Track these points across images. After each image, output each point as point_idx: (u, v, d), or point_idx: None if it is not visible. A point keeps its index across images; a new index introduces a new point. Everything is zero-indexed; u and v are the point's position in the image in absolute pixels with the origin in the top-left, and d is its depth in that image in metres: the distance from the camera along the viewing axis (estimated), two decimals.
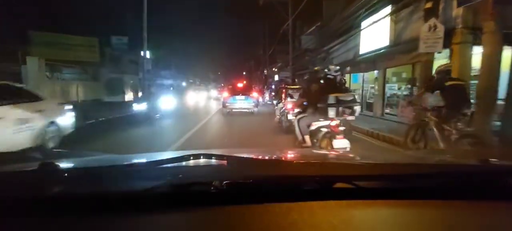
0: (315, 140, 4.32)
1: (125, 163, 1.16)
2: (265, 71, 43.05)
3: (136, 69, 24.12)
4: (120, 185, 0.87)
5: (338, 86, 4.29)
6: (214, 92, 35.15)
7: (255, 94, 14.37)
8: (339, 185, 0.89)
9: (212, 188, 0.83)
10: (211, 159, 0.99)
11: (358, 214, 0.79)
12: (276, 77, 32.92)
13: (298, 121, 4.41)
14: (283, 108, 8.16)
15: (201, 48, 38.30)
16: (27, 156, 3.33)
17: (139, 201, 0.78)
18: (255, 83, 49.88)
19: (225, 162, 0.99)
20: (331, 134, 3.99)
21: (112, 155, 2.30)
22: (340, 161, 1.42)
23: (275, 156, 1.48)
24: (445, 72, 4.83)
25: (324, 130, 4.19)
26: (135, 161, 1.27)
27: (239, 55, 50.62)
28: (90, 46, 20.07)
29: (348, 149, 3.77)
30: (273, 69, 35.97)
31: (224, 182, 0.84)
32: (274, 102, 11.95)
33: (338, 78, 4.40)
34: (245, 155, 1.32)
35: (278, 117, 9.09)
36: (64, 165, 1.03)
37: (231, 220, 0.75)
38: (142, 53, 20.22)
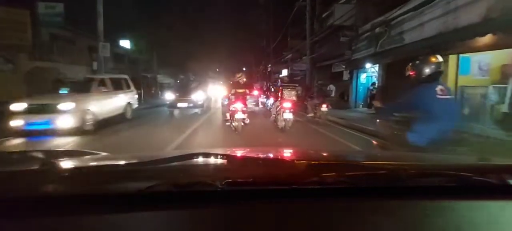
0: (231, 116, 7.06)
1: (125, 162, 1.11)
2: (269, 66, 35.94)
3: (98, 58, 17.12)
4: (120, 184, 0.82)
5: (241, 85, 7.53)
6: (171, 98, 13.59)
7: (255, 92, 13.51)
8: (340, 184, 0.86)
9: (212, 187, 0.80)
10: (212, 158, 0.95)
11: (358, 213, 0.77)
12: (285, 72, 25.92)
13: (225, 105, 8.05)
14: (279, 107, 7.46)
15: (197, 41, 30.56)
16: (27, 155, 1.87)
17: (139, 200, 0.75)
18: (256, 81, 43.28)
19: (225, 161, 0.97)
20: (237, 112, 6.82)
21: (111, 154, 1.80)
22: (341, 160, 1.35)
23: (275, 155, 1.46)
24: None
25: (234, 109, 6.91)
26: (135, 160, 1.19)
27: (239, 49, 43.57)
28: (17, 22, 13.02)
29: (247, 121, 6.99)
30: (270, 66, 28.89)
31: (225, 181, 0.81)
32: (267, 101, 11.58)
33: (242, 80, 7.62)
34: (245, 154, 1.33)
35: (273, 115, 8.22)
36: (64, 164, 1.01)
37: (231, 219, 0.74)
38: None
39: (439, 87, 2.50)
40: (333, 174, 0.87)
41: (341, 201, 0.81)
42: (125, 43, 26.67)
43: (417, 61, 2.65)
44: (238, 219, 0.73)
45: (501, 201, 0.82)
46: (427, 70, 2.55)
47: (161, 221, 0.72)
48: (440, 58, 2.59)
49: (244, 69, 56.68)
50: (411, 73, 2.68)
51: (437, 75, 2.58)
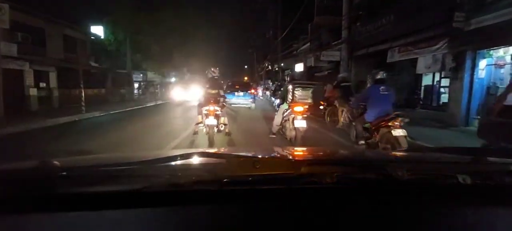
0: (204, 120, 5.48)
1: (124, 162, 1.08)
2: (276, 66, 29.51)
3: None
4: (119, 184, 0.79)
5: (215, 83, 5.75)
6: None
7: (253, 90, 13.69)
8: (338, 184, 0.81)
9: (211, 186, 0.78)
10: (211, 157, 0.96)
11: (357, 212, 0.74)
12: (299, 67, 19.39)
13: (198, 107, 5.86)
14: (289, 110, 5.40)
15: (191, 33, 23.21)
16: (27, 155, 2.70)
17: (138, 200, 0.73)
18: (260, 79, 37.27)
19: (224, 160, 0.95)
20: (208, 116, 5.17)
21: (111, 154, 1.91)
22: (340, 160, 1.30)
23: (275, 155, 1.41)
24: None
25: (206, 112, 5.23)
26: (134, 160, 1.13)
27: (241, 43, 37.04)
28: None
29: (222, 128, 5.62)
30: (276, 65, 22.32)
31: (223, 181, 0.78)
32: (273, 100, 10.21)
33: (216, 77, 5.92)
34: (244, 154, 1.30)
35: (277, 124, 5.74)
36: (63, 164, 0.93)
37: (230, 218, 0.72)
38: None
39: (382, 87, 4.31)
40: (332, 173, 0.84)
41: (340, 200, 0.78)
42: (98, 30, 20.19)
43: (372, 73, 4.62)
44: (236, 218, 0.71)
45: (497, 202, 0.77)
46: (376, 77, 4.48)
47: (160, 220, 0.70)
48: (383, 73, 4.52)
49: (246, 67, 50.64)
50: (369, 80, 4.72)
51: (381, 81, 4.43)
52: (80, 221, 0.68)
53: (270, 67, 33.31)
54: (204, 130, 5.35)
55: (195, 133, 5.71)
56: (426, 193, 0.81)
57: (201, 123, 5.52)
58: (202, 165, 0.93)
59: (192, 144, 5.44)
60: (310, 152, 1.67)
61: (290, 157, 1.22)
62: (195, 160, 0.90)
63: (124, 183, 0.79)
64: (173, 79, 40.85)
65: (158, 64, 25.88)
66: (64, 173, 0.82)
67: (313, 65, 14.14)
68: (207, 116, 5.13)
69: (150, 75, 33.05)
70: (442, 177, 0.89)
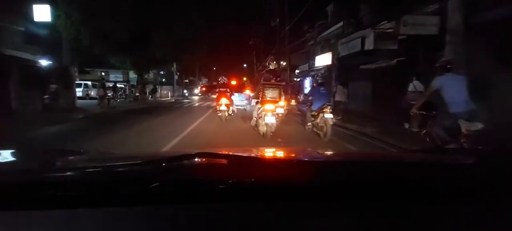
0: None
1: (125, 162, 1.05)
2: (282, 63, 23.81)
3: None
4: (120, 184, 0.78)
5: (223, 85, 11.00)
6: None
7: (247, 91, 14.74)
8: (340, 184, 0.81)
9: (213, 187, 0.77)
10: (212, 158, 0.92)
11: (359, 213, 0.72)
12: (325, 60, 13.51)
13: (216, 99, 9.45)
14: (261, 109, 6.28)
15: (179, 27, 16.53)
16: (28, 153, 1.70)
17: (138, 200, 0.72)
18: (254, 81, 31.67)
19: (225, 161, 0.90)
20: (221, 105, 8.91)
21: (111, 153, 1.79)
22: (342, 160, 1.29)
23: (276, 155, 1.41)
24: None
25: (220, 103, 9.05)
26: (136, 160, 1.11)
27: (239, 37, 31.37)
28: None
29: (230, 112, 9.16)
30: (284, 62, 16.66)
31: (225, 181, 0.77)
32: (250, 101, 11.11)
33: (223, 82, 14.47)
34: (246, 154, 1.26)
35: (255, 118, 6.84)
36: (63, 163, 0.98)
37: (231, 219, 0.71)
38: None
39: (322, 88, 6.51)
40: (334, 173, 0.85)
41: (342, 200, 0.76)
42: (44, 12, 13.80)
43: (316, 79, 8.56)
44: (238, 218, 0.70)
45: (494, 204, 0.76)
46: (319, 81, 7.11)
47: (161, 220, 0.69)
48: (322, 79, 7.60)
49: (245, 65, 44.69)
50: (315, 84, 8.41)
51: (322, 84, 6.77)
52: (80, 222, 0.67)
53: (271, 66, 27.54)
54: (218, 114, 8.98)
55: (218, 111, 9.15)
56: (428, 193, 0.79)
57: (218, 110, 9.08)
58: (204, 166, 0.92)
59: (212, 120, 9.20)
60: (312, 152, 1.67)
61: (293, 158, 1.23)
62: (197, 161, 0.89)
63: (125, 183, 0.77)
64: (163, 79, 34.21)
65: (131, 60, 19.63)
66: (65, 173, 0.84)
67: (372, 48, 8.12)
68: (220, 105, 8.89)
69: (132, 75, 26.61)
70: (445, 178, 0.85)
